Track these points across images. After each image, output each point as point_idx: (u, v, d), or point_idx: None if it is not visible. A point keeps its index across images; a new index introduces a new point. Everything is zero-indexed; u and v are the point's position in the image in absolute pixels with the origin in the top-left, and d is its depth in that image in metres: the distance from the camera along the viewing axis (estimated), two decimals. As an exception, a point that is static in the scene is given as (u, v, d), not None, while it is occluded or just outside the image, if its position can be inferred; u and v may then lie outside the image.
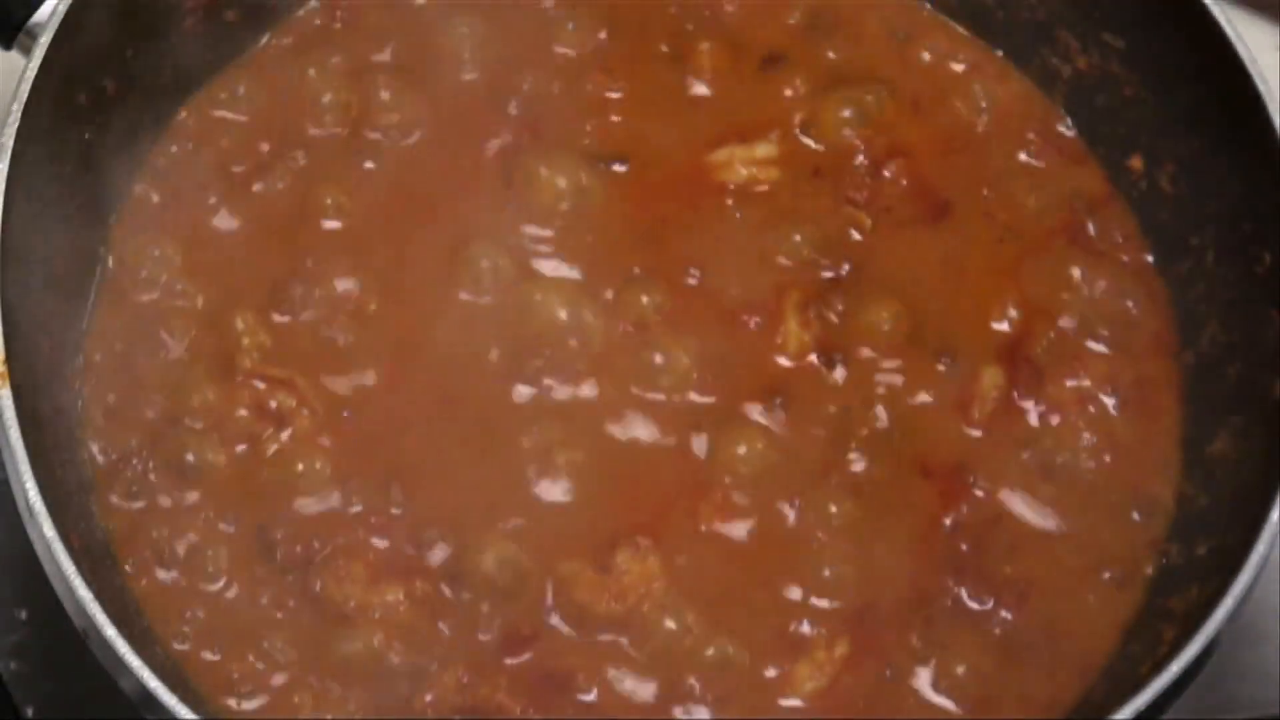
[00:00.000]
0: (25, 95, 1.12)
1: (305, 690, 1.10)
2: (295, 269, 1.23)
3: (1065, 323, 1.23)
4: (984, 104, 1.31)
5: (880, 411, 1.19)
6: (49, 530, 1.03)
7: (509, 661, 1.11)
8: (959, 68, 1.32)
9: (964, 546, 1.16)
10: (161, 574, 1.13)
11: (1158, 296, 1.25)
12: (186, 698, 1.01)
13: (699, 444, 1.18)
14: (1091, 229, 1.27)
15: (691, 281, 1.23)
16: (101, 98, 1.21)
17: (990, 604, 1.14)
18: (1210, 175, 1.22)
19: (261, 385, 1.18)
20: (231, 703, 1.10)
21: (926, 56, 1.33)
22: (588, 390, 1.19)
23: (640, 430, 1.18)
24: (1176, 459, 1.20)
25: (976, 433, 1.20)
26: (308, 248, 1.23)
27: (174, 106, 1.27)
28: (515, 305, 1.21)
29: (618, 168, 1.27)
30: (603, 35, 1.32)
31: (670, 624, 1.12)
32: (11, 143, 1.11)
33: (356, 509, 1.15)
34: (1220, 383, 1.19)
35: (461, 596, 1.13)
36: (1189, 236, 1.24)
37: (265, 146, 1.27)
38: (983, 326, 1.23)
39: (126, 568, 1.13)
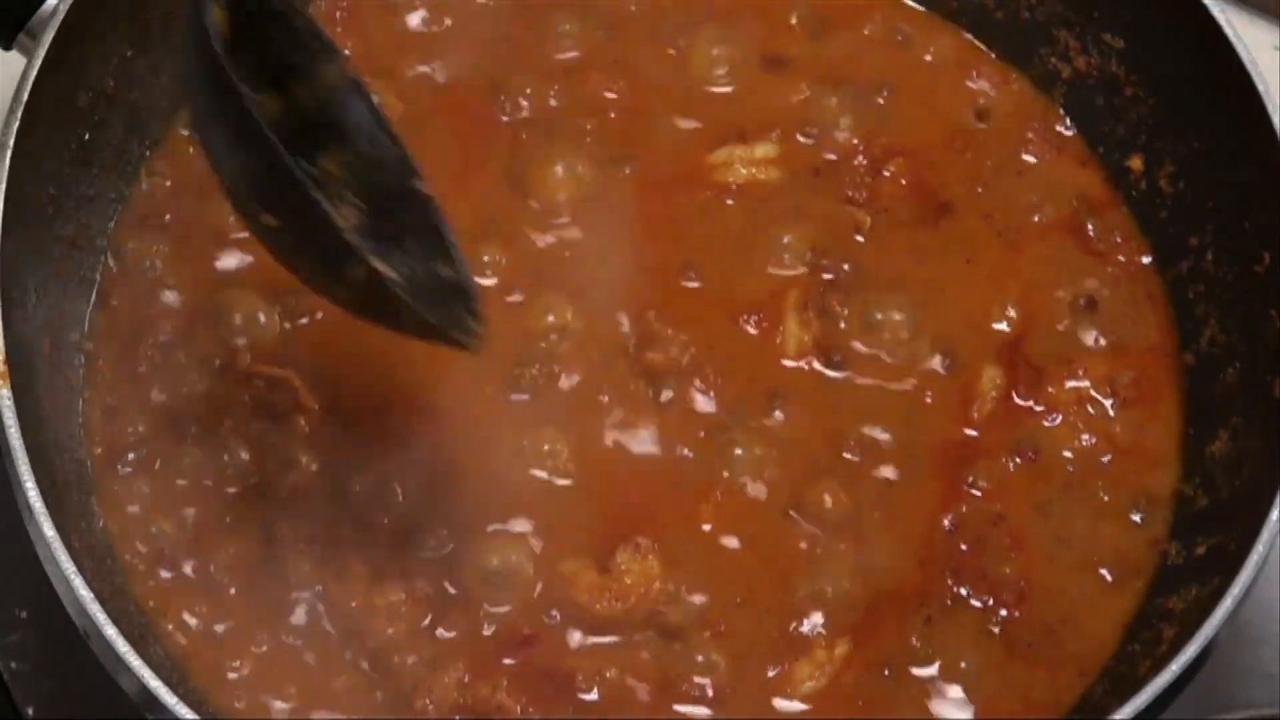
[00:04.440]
0: (25, 95, 1.12)
1: (306, 690, 1.10)
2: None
3: (1065, 323, 1.23)
4: (984, 105, 1.31)
5: (879, 412, 1.19)
6: (49, 530, 1.03)
7: (509, 661, 1.11)
8: (958, 68, 1.32)
9: (964, 546, 1.16)
10: (162, 573, 1.13)
11: (1157, 296, 1.25)
12: (186, 697, 1.01)
13: (699, 444, 1.18)
14: (1091, 229, 1.27)
15: (691, 282, 1.23)
16: (101, 98, 1.21)
17: (990, 604, 1.14)
18: (1210, 175, 1.23)
19: (260, 384, 1.18)
20: (232, 703, 1.10)
21: (926, 57, 1.33)
22: (587, 390, 1.19)
23: (640, 430, 1.18)
24: (1176, 459, 1.20)
25: (976, 433, 1.20)
26: (307, 248, 1.23)
27: (175, 106, 1.27)
28: (515, 306, 1.21)
29: (618, 168, 1.27)
30: (602, 35, 1.32)
31: (669, 624, 1.12)
32: (11, 142, 1.10)
33: (356, 509, 1.15)
34: (1220, 383, 1.20)
35: (461, 596, 1.13)
36: (1189, 236, 1.24)
37: (265, 146, 1.27)
38: (982, 326, 1.23)
39: (126, 567, 1.13)
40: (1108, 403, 1.21)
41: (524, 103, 1.29)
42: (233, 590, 1.13)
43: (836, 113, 1.29)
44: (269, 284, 1.21)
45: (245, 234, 1.23)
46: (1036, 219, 1.27)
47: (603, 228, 1.25)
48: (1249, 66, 1.17)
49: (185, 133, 1.27)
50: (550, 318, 1.21)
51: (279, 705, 1.10)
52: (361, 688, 1.11)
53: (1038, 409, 1.20)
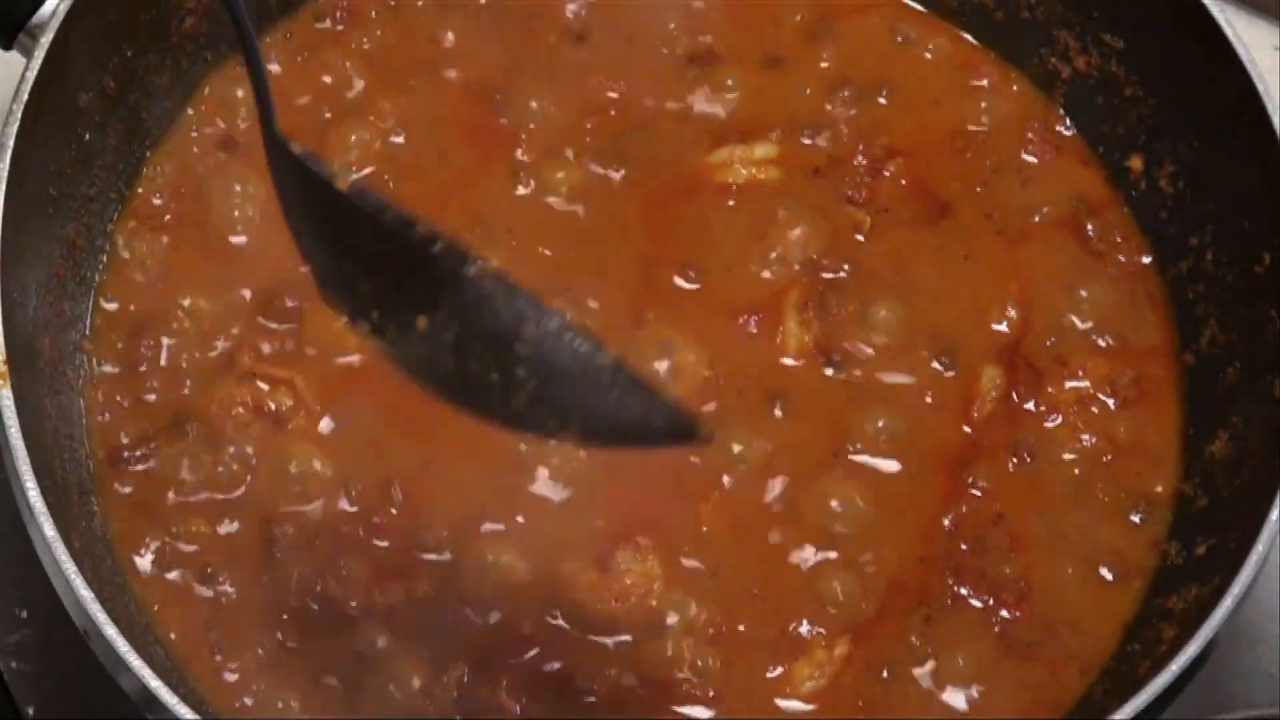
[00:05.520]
0: (25, 95, 1.12)
1: (306, 691, 1.10)
2: (295, 270, 1.22)
3: (1064, 323, 1.23)
4: (984, 104, 1.31)
5: (879, 411, 1.19)
6: (49, 530, 1.03)
7: (509, 661, 1.11)
8: (959, 68, 1.33)
9: (964, 546, 1.16)
10: (162, 574, 1.13)
11: (1157, 296, 1.25)
12: (187, 698, 1.01)
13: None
14: (1091, 229, 1.27)
15: (691, 282, 1.23)
16: (101, 98, 1.21)
17: (990, 603, 1.14)
18: (1210, 175, 1.23)
19: (261, 385, 1.18)
20: (232, 703, 1.10)
21: (926, 57, 1.33)
22: (588, 390, 1.19)
23: (640, 430, 1.18)
24: (1176, 459, 1.20)
25: (976, 433, 1.20)
26: (308, 248, 1.23)
27: (174, 107, 1.27)
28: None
29: (618, 168, 1.27)
30: (602, 36, 1.32)
31: (670, 624, 1.12)
32: (12, 142, 1.10)
33: (356, 509, 1.15)
34: (1220, 383, 1.19)
35: (461, 596, 1.13)
36: (1188, 236, 1.24)
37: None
38: (982, 326, 1.23)
39: (127, 567, 1.13)
40: (1108, 403, 1.21)
41: (524, 103, 1.29)
42: (232, 590, 1.13)
43: (836, 113, 1.29)
44: (270, 285, 1.21)
45: (244, 235, 1.24)
46: (1036, 219, 1.27)
47: (602, 228, 1.25)
48: (1249, 66, 1.17)
49: (190, 134, 1.27)
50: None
51: (278, 705, 1.10)
52: (362, 688, 1.10)
53: (1038, 409, 1.20)
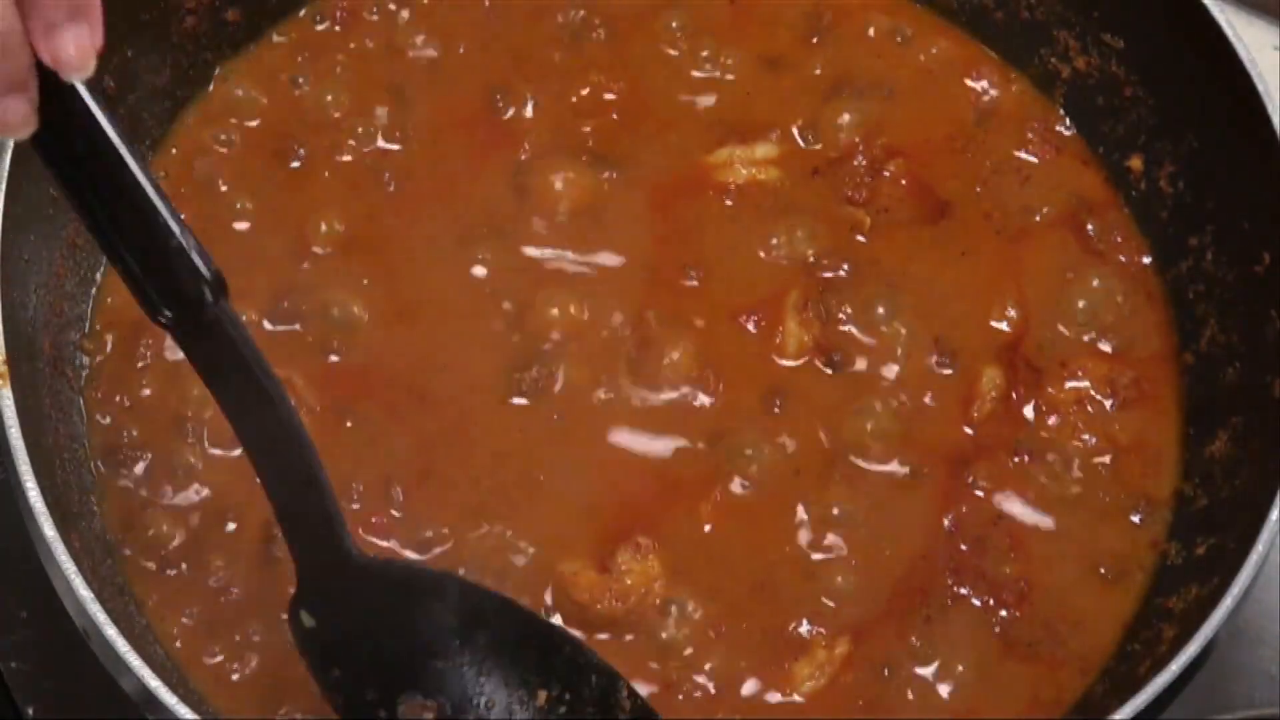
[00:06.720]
0: (25, 95, 1.12)
1: (306, 690, 1.10)
2: (294, 271, 1.22)
3: (1064, 323, 1.23)
4: (984, 104, 1.31)
5: (879, 411, 1.19)
6: (49, 530, 1.03)
7: (509, 661, 1.11)
8: (958, 68, 1.33)
9: (964, 546, 1.16)
10: (162, 573, 1.13)
11: (1157, 297, 1.25)
12: (186, 698, 1.01)
13: (699, 444, 1.18)
14: (1091, 229, 1.27)
15: (691, 282, 1.23)
16: (101, 98, 1.20)
17: (990, 603, 1.14)
18: (1210, 175, 1.23)
19: (261, 385, 1.18)
20: (232, 703, 1.10)
21: (926, 57, 1.33)
22: (588, 391, 1.19)
23: (640, 431, 1.18)
24: (1176, 459, 1.20)
25: (976, 433, 1.20)
26: (307, 250, 1.23)
27: (174, 107, 1.27)
28: (515, 307, 1.21)
29: (617, 169, 1.27)
30: (602, 36, 1.32)
31: (670, 624, 1.12)
32: (11, 143, 1.10)
33: (356, 509, 1.15)
34: (1220, 383, 1.19)
35: (461, 596, 1.13)
36: (1188, 237, 1.24)
37: (265, 148, 1.27)
38: (982, 327, 1.23)
39: (126, 567, 1.13)
40: (1107, 403, 1.21)
41: (524, 103, 1.29)
42: (233, 590, 1.13)
43: (836, 112, 1.29)
44: (269, 287, 1.21)
45: (244, 236, 1.24)
46: (1036, 219, 1.27)
47: (602, 229, 1.25)
48: (1249, 66, 1.17)
49: (191, 134, 1.27)
50: (550, 319, 1.21)
51: (279, 705, 1.10)
52: (361, 688, 1.11)
53: (1038, 409, 1.20)
